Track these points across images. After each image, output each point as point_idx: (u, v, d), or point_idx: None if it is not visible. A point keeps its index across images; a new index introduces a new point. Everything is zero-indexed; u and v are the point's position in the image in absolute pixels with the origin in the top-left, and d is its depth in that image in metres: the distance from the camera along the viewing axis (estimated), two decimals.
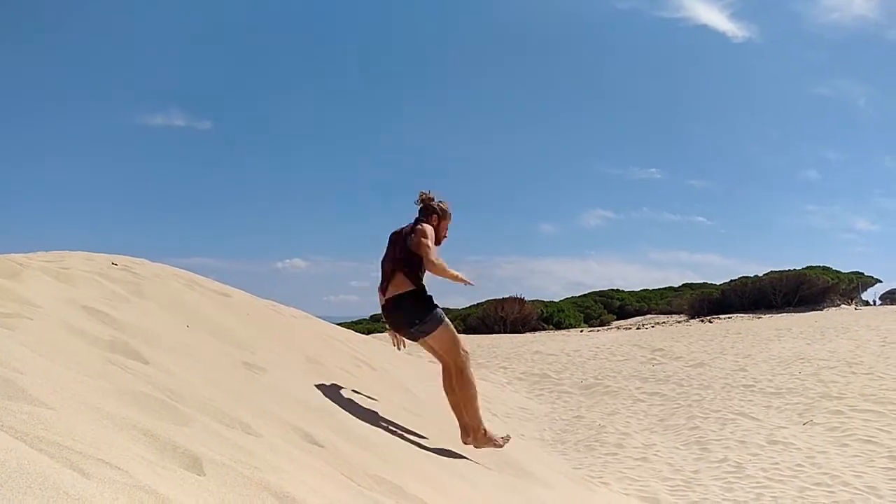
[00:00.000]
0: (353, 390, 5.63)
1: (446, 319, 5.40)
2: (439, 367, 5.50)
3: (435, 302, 5.44)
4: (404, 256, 5.42)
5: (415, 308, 5.33)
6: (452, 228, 5.77)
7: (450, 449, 5.21)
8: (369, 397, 5.74)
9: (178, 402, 3.10)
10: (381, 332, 30.93)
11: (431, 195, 5.76)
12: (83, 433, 2.20)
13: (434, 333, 5.31)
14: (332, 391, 5.12)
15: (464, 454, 5.22)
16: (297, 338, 6.26)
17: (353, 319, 41.03)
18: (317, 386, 5.04)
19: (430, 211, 5.69)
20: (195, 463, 2.44)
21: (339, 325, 17.12)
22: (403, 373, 9.91)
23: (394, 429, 4.96)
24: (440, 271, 5.26)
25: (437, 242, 5.58)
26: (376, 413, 5.25)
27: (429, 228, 5.46)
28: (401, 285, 5.37)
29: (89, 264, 6.12)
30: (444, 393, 5.48)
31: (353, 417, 4.62)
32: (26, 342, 3.02)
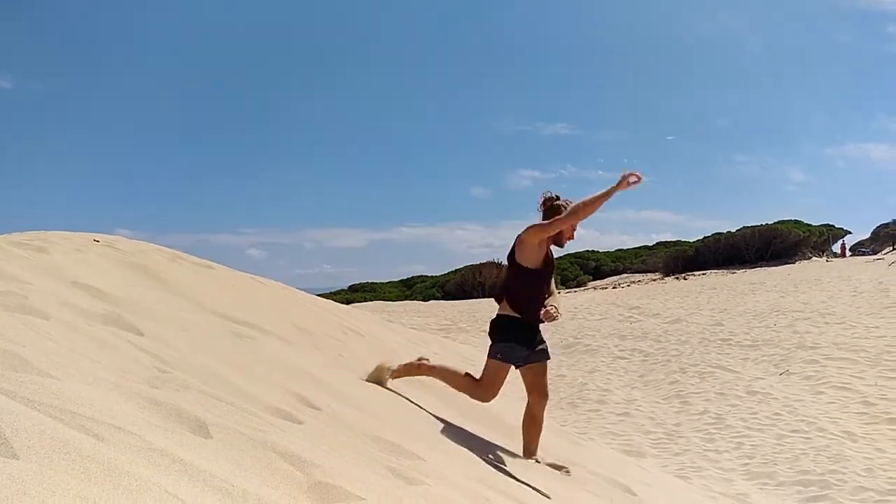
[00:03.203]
0: (343, 356, 5.70)
1: (499, 359, 4.87)
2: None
3: (514, 337, 4.86)
4: (505, 279, 5.03)
5: (492, 331, 5.02)
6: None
7: (440, 409, 5.31)
8: (360, 362, 5.81)
9: (177, 370, 3.15)
10: (361, 301, 30.98)
11: (554, 195, 4.93)
12: (92, 401, 2.24)
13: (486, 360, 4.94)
14: (323, 357, 5.19)
15: (452, 414, 5.32)
16: (283, 307, 6.31)
17: (332, 290, 41.00)
18: (308, 353, 5.10)
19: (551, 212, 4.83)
20: (201, 427, 2.50)
21: (318, 296, 17.13)
22: (390, 338, 10.00)
23: (386, 391, 5.04)
24: (584, 210, 4.57)
25: (560, 244, 4.87)
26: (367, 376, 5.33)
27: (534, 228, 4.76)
28: (501, 308, 5.04)
29: (70, 242, 6.10)
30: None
31: (347, 382, 4.69)
32: (23, 318, 3.04)
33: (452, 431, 4.66)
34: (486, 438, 5.03)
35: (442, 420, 4.87)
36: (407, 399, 5.11)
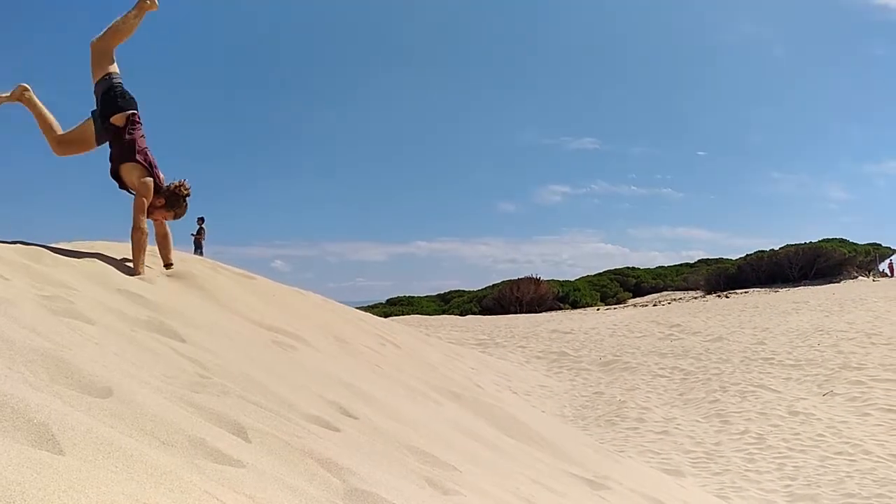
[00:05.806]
0: (380, 367, 5.72)
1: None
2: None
3: None
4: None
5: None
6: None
7: (476, 421, 5.31)
8: (396, 371, 5.83)
9: (217, 376, 3.20)
10: (399, 315, 31.07)
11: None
12: (135, 404, 2.29)
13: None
14: (360, 368, 5.22)
15: (485, 426, 5.31)
16: (323, 318, 6.37)
17: (369, 303, 41.14)
18: (346, 363, 5.14)
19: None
20: (240, 431, 2.54)
21: (356, 308, 17.16)
22: (427, 350, 10.02)
23: (421, 402, 5.06)
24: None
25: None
26: (404, 388, 5.35)
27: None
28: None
29: (114, 250, 6.22)
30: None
31: (383, 392, 4.71)
32: (70, 322, 3.12)
33: (486, 443, 4.66)
34: (520, 450, 5.01)
35: (475, 432, 4.86)
36: (441, 409, 5.12)
